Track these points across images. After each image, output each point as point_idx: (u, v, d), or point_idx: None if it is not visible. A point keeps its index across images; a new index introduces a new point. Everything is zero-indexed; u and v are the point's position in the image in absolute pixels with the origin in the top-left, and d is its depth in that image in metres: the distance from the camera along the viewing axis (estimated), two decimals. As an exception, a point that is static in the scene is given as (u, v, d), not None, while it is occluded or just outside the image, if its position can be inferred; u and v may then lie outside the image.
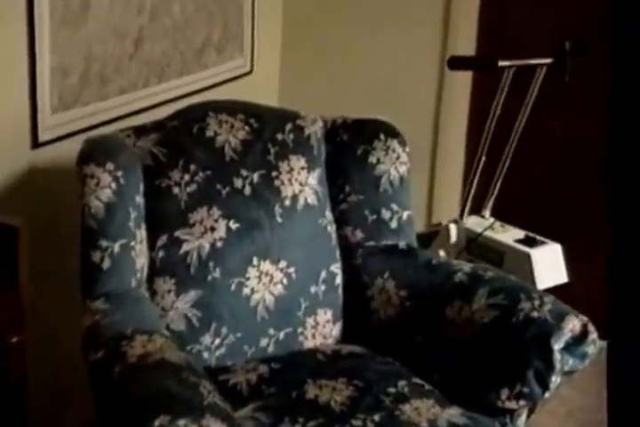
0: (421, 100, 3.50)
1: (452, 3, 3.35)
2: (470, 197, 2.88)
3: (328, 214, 2.49)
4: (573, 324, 2.13)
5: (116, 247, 2.16)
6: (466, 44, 3.32)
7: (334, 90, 3.62)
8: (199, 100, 2.83)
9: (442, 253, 2.93)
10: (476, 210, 3.01)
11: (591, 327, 2.14)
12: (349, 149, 2.53)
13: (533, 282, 2.64)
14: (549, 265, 2.66)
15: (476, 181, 2.86)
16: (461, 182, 3.46)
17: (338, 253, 2.51)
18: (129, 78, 2.75)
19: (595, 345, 2.13)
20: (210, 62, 3.17)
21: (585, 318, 2.15)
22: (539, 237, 2.75)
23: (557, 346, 2.09)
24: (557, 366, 2.09)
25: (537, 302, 2.18)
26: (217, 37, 3.17)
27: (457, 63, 2.68)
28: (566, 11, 3.26)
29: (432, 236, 3.00)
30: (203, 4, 3.04)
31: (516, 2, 3.36)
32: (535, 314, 2.15)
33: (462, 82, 3.32)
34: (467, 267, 2.37)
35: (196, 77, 3.10)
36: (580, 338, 2.12)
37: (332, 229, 2.50)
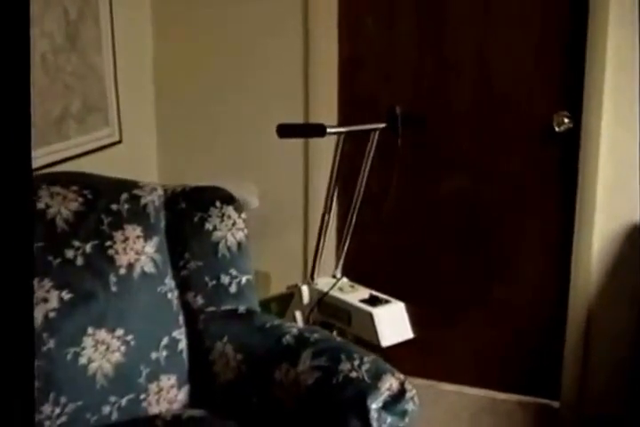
0: (291, 165, 3.59)
1: (309, 77, 3.46)
2: (319, 256, 2.95)
3: (168, 281, 2.54)
4: (390, 382, 2.18)
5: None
6: (328, 114, 3.44)
7: (208, 155, 3.70)
8: (65, 169, 2.86)
9: (298, 313, 2.98)
10: (349, 269, 3.08)
11: (408, 385, 2.19)
12: (187, 216, 2.59)
13: (378, 340, 2.69)
14: (393, 323, 2.72)
15: (322, 241, 2.93)
16: (335, 242, 3.54)
17: (181, 318, 2.55)
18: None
19: (414, 402, 2.18)
20: (71, 133, 3.22)
21: (402, 377, 2.20)
22: (382, 296, 2.82)
23: (375, 405, 2.14)
24: (374, 424, 2.13)
25: (357, 363, 2.23)
26: (76, 109, 3.22)
27: (286, 131, 2.76)
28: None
29: (290, 297, 3.05)
30: (57, 77, 3.09)
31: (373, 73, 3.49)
32: (354, 374, 2.20)
33: (327, 147, 3.43)
34: (295, 329, 2.42)
35: (55, 148, 3.14)
36: (398, 396, 2.17)
37: (173, 295, 2.54)
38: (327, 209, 2.87)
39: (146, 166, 3.77)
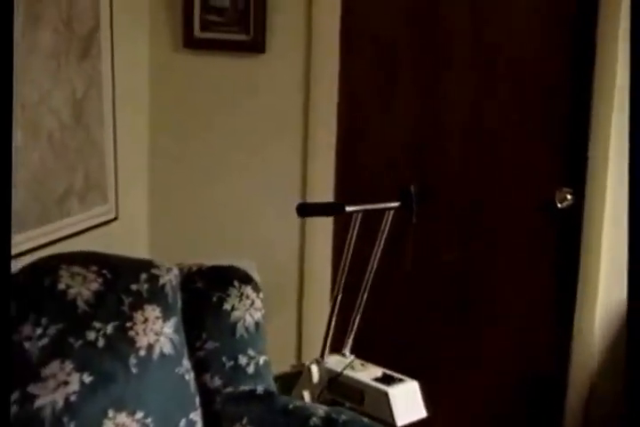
0: (286, 243, 3.60)
1: (308, 153, 3.49)
2: (330, 336, 2.93)
3: (185, 362, 2.50)
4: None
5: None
6: (323, 191, 3.46)
7: (202, 232, 3.69)
8: (63, 248, 2.84)
9: (306, 393, 2.94)
10: (340, 347, 3.06)
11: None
12: (205, 296, 2.57)
13: (393, 419, 2.67)
14: (408, 402, 2.70)
15: (334, 320, 2.92)
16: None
17: (197, 400, 2.51)
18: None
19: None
20: (72, 210, 3.20)
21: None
22: (396, 375, 2.80)
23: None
24: None
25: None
26: (79, 186, 3.21)
27: (306, 210, 2.77)
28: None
29: (296, 376, 3.02)
30: (62, 154, 3.09)
31: (368, 150, 3.51)
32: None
33: (324, 225, 3.44)
34: (321, 411, 2.39)
35: (57, 226, 3.12)
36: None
37: (190, 376, 2.50)
38: (339, 289, 2.86)
39: (140, 243, 3.75)
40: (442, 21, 3.38)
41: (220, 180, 3.65)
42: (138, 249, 3.69)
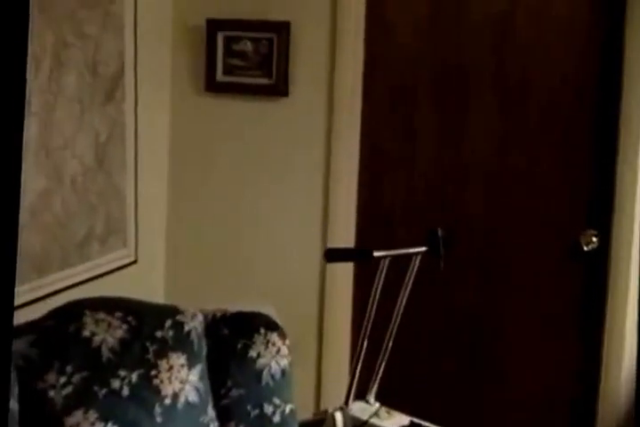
0: (305, 289, 3.56)
1: (329, 197, 3.47)
2: (355, 383, 2.88)
3: (210, 411, 2.46)
4: None
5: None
6: (345, 235, 3.44)
7: (220, 277, 3.66)
8: (82, 291, 2.82)
9: (329, 442, 2.89)
10: (363, 394, 3.01)
11: None
12: (230, 343, 2.54)
13: (420, 470, 2.62)
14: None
15: (359, 367, 2.87)
16: (348, 367, 3.48)
17: (222, 450, 2.47)
18: (6, 275, 2.72)
19: None
20: (93, 254, 3.18)
21: None
22: (424, 423, 2.75)
23: None
24: None
25: None
26: (100, 229, 3.20)
27: (334, 255, 2.75)
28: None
29: (318, 424, 2.96)
30: (84, 198, 3.07)
31: (390, 193, 3.51)
32: None
33: (344, 270, 3.41)
34: (349, 461, 2.35)
35: (78, 270, 3.10)
36: None
37: (214, 425, 2.46)
38: (365, 334, 2.82)
39: (158, 286, 3.72)
40: (463, 63, 3.37)
41: (240, 223, 3.62)
42: (156, 292, 3.66)
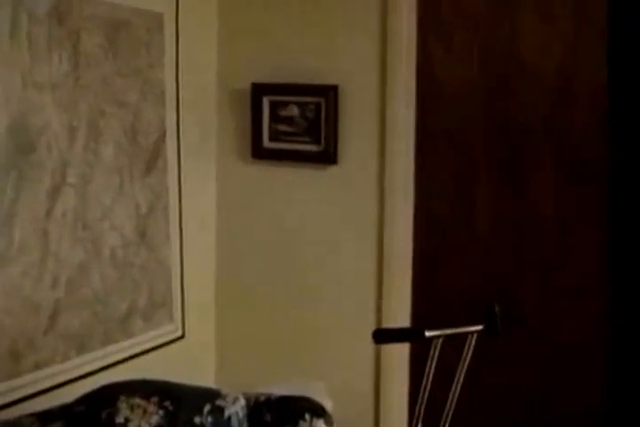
0: (360, 366, 3.37)
1: (383, 274, 3.32)
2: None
3: None
4: None
5: None
6: (400, 313, 3.28)
7: (273, 351, 3.50)
8: (126, 369, 2.69)
9: None
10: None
11: None
12: (273, 429, 2.37)
13: None
14: None
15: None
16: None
17: None
18: (44, 353, 2.62)
19: None
20: (136, 330, 3.05)
21: None
22: None
23: None
24: None
25: None
26: (143, 304, 3.07)
27: (383, 336, 2.56)
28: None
29: None
30: (125, 272, 2.96)
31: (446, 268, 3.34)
32: None
33: (400, 347, 3.23)
34: None
35: (120, 346, 2.98)
36: None
37: None
38: (419, 418, 2.63)
39: (207, 362, 3.57)
40: (519, 114, 3.21)
41: (291, 298, 3.46)
42: (205, 368, 3.51)
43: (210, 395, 2.37)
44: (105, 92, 2.75)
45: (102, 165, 2.78)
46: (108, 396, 2.30)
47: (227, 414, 2.33)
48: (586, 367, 3.22)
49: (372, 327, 3.17)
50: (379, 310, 3.30)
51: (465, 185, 3.31)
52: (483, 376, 3.17)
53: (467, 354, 2.55)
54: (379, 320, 3.29)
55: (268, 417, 2.39)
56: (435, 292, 3.34)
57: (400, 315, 3.27)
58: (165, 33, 3.09)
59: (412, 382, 3.28)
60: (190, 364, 3.32)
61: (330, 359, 3.38)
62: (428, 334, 2.45)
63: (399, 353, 3.26)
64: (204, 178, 3.45)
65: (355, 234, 3.34)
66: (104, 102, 2.74)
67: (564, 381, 3.25)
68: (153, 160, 3.05)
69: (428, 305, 3.31)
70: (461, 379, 2.60)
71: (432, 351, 2.49)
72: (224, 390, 2.42)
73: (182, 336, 3.33)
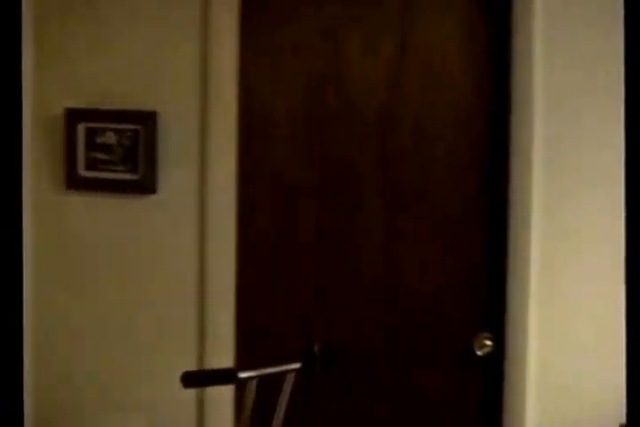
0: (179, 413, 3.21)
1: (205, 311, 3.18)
2: None
3: None
4: None
5: None
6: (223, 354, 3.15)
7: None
8: None
9: None
10: None
11: None
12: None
13: None
14: None
15: None
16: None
17: None
18: None
19: None
20: None
21: None
22: None
23: None
24: None
25: None
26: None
27: (192, 380, 2.41)
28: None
29: None
30: None
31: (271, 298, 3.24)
32: None
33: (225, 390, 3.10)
34: None
35: None
36: None
37: None
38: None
39: None
40: (346, 158, 3.14)
41: (111, 339, 3.29)
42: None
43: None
44: None
45: None
46: None
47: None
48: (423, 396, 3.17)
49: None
50: (201, 351, 3.15)
51: (289, 217, 3.21)
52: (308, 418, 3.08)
53: (284, 395, 2.44)
54: (200, 363, 3.13)
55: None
56: (260, 327, 3.22)
57: (224, 356, 3.13)
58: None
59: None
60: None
61: (147, 403, 3.21)
62: (241, 375, 2.32)
63: (224, 399, 3.12)
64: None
65: (174, 267, 3.20)
66: None
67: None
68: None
69: (254, 343, 3.19)
70: (280, 422, 2.49)
71: (247, 393, 2.36)
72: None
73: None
